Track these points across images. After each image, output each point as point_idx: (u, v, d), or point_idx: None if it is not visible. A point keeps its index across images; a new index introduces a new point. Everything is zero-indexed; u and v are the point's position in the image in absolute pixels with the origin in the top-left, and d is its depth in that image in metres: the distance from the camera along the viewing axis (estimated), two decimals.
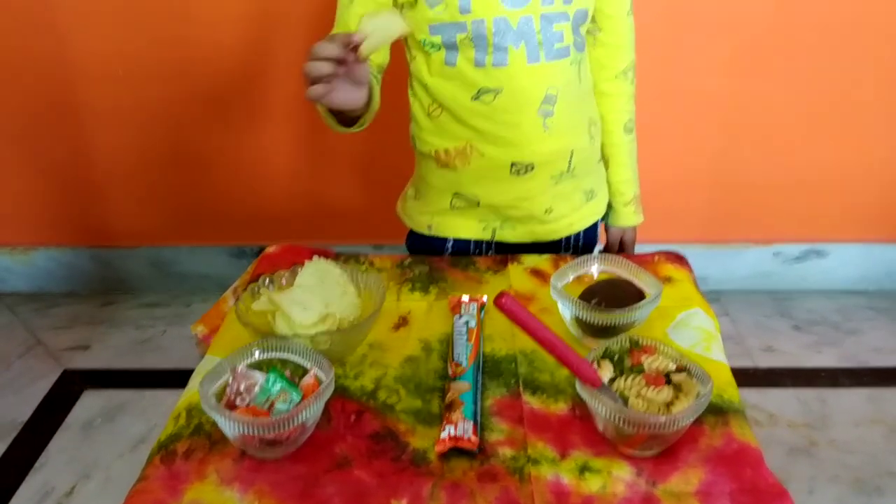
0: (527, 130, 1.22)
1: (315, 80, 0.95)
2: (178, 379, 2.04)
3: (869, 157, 2.27)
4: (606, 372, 0.88)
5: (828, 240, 2.42)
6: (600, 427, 0.86)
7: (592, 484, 0.82)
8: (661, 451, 0.84)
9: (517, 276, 1.20)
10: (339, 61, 0.96)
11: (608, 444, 0.85)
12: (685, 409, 0.81)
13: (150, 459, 0.86)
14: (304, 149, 2.28)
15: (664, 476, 0.82)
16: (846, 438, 1.92)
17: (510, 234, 1.35)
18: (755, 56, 2.12)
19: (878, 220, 2.39)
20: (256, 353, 0.91)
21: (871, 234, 2.41)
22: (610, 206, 1.44)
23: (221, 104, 2.21)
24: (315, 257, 1.08)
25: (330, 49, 0.95)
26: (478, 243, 1.37)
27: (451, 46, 1.17)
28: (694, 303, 1.14)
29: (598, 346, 0.91)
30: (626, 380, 0.87)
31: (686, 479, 0.82)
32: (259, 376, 0.86)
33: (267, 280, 1.05)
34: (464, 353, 0.98)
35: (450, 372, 0.96)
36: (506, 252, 1.30)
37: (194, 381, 0.97)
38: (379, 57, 1.23)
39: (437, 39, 1.17)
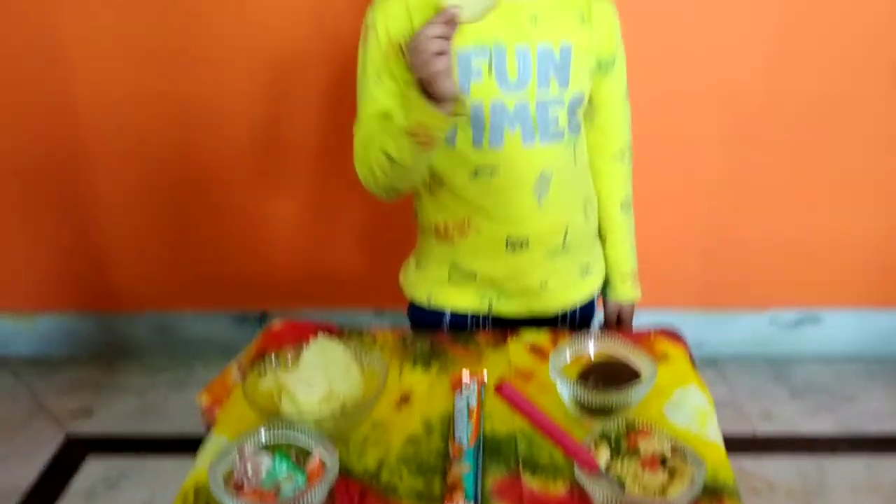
0: (522, 207, 1.27)
1: (434, 56, 1.03)
2: (180, 446, 2.07)
3: (860, 224, 2.31)
4: (603, 455, 0.90)
5: (823, 306, 2.45)
6: None
7: None
8: None
9: (517, 352, 1.24)
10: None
11: None
12: (680, 494, 0.83)
13: None
14: (308, 215, 2.32)
15: None
16: None
17: (506, 308, 1.38)
18: (748, 127, 2.17)
19: (872, 285, 2.42)
20: (263, 435, 0.94)
21: (865, 300, 2.44)
22: (608, 282, 1.47)
23: (226, 170, 2.25)
24: (319, 335, 1.11)
25: (437, 28, 1.03)
26: (475, 317, 1.39)
27: None
28: (689, 379, 1.16)
29: (596, 427, 0.94)
30: (622, 463, 0.89)
31: None
32: (266, 459, 0.89)
33: (273, 358, 1.08)
34: (465, 434, 1.00)
35: (451, 452, 0.98)
36: (503, 326, 1.34)
37: (201, 460, 1.00)
38: None
39: None
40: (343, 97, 2.08)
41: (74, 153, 2.23)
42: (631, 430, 0.94)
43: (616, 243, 1.45)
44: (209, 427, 1.12)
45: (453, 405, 1.07)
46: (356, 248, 2.35)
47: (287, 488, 0.87)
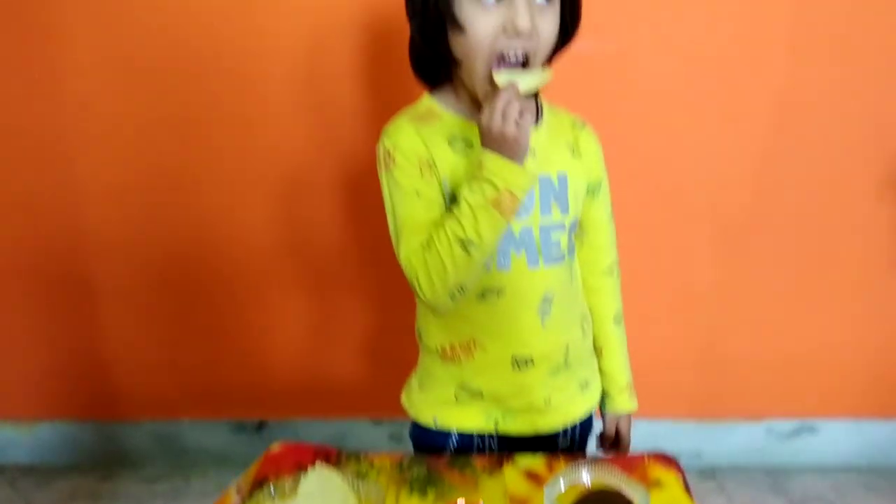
0: (526, 328, 1.31)
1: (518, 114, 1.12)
2: None
3: (853, 334, 2.35)
4: None
5: (819, 416, 2.46)
6: None
7: None
8: None
9: (512, 478, 1.25)
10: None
11: None
12: None
13: None
14: (307, 324, 2.35)
15: None
16: None
17: (512, 426, 1.40)
18: (737, 240, 2.23)
19: (868, 395, 2.44)
20: None
21: (861, 411, 2.46)
22: (605, 394, 1.50)
23: (225, 278, 2.30)
24: (318, 463, 1.13)
25: (510, 94, 1.13)
26: (481, 436, 1.41)
27: None
28: None
29: None
30: None
31: None
32: None
33: (271, 488, 1.10)
34: None
35: None
36: (508, 445, 1.37)
37: None
38: None
39: None
40: (346, 209, 2.16)
41: (75, 264, 2.29)
42: None
43: (611, 356, 1.50)
44: None
45: None
46: (354, 357, 2.38)
47: None
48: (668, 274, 2.26)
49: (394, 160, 1.24)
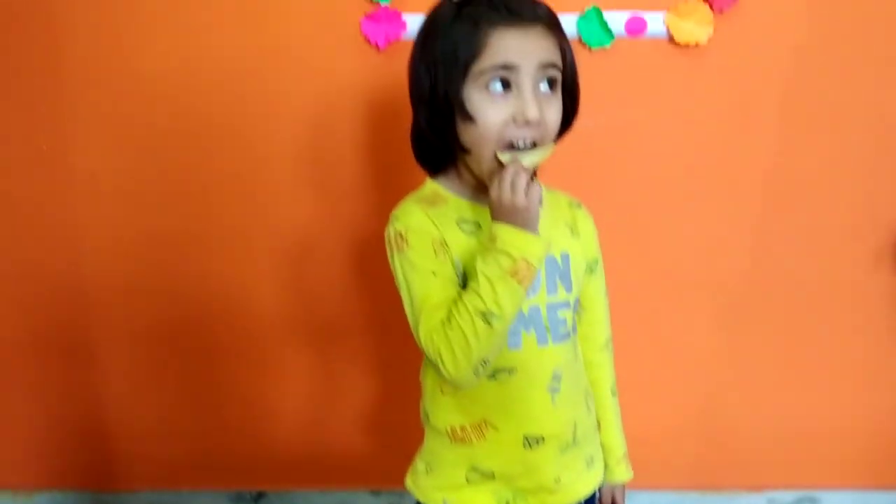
0: (538, 406, 1.33)
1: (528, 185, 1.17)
2: None
3: (854, 404, 2.35)
4: None
5: (821, 487, 2.45)
6: None
7: None
8: None
9: None
10: None
11: None
12: None
13: None
14: (308, 394, 2.35)
15: None
16: None
17: None
18: (735, 311, 2.25)
19: (870, 466, 2.43)
20: None
21: (863, 481, 2.44)
22: (604, 465, 1.52)
23: (226, 347, 2.30)
24: None
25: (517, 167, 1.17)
26: None
27: None
28: None
29: None
30: None
31: None
32: None
33: None
34: None
35: None
36: None
37: None
38: None
39: None
40: (349, 281, 2.18)
41: (76, 332, 2.30)
42: None
43: (610, 428, 1.53)
44: None
45: None
46: (356, 428, 2.37)
47: None
48: (667, 344, 2.27)
49: (407, 242, 1.25)
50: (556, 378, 1.33)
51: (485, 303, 1.15)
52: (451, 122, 1.24)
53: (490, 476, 1.36)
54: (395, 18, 1.98)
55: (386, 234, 1.29)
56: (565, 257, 1.36)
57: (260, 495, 2.45)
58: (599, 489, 1.52)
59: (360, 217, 2.16)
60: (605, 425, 1.52)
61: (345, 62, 2.06)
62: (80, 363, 2.32)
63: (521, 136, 1.21)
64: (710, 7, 1.98)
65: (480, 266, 1.18)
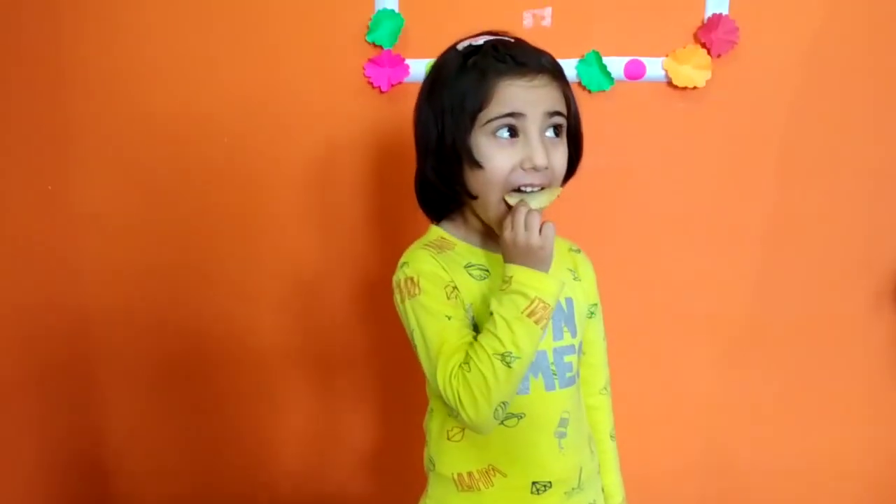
0: (545, 451, 1.33)
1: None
2: None
3: (857, 444, 2.34)
4: None
5: None
6: None
7: None
8: None
9: None
10: None
11: None
12: None
13: None
14: (310, 437, 2.34)
15: None
16: None
17: None
18: (736, 351, 2.25)
19: None
20: None
21: None
22: None
23: (228, 389, 2.30)
24: None
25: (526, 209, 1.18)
26: None
27: None
28: None
29: None
30: None
31: None
32: None
33: None
34: None
35: None
36: None
37: None
38: None
39: None
40: (353, 321, 2.18)
41: (77, 370, 2.29)
42: None
43: (609, 472, 1.53)
44: None
45: None
46: (355, 471, 2.36)
47: None
48: (669, 386, 2.27)
49: (419, 287, 1.25)
50: (564, 423, 1.33)
51: (503, 344, 1.15)
52: (459, 169, 1.26)
53: None
54: (397, 62, 2.01)
55: (395, 281, 1.30)
56: (569, 302, 1.37)
57: None
58: None
59: (362, 258, 2.17)
60: (605, 469, 1.52)
61: (348, 105, 2.08)
62: (81, 400, 2.31)
63: (529, 181, 1.23)
64: (708, 52, 2.01)
65: (496, 308, 1.18)
